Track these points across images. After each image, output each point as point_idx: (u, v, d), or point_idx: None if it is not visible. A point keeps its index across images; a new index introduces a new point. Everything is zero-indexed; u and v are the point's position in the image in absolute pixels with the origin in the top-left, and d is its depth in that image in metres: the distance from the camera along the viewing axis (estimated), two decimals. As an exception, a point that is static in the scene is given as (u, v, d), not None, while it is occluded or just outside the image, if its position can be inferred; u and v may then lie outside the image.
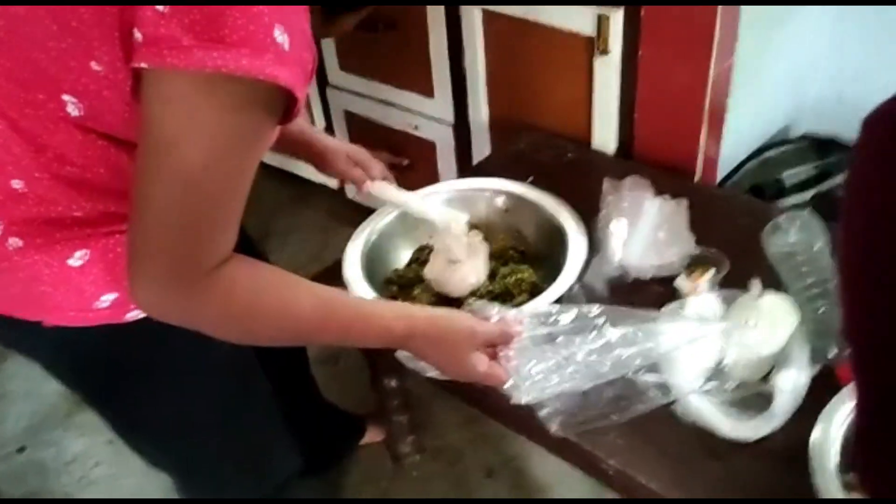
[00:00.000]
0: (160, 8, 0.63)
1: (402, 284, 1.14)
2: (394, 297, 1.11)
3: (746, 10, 1.27)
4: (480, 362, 0.86)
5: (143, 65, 0.65)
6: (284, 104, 0.70)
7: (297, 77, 0.67)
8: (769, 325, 0.96)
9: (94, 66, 0.72)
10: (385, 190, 1.18)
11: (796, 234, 1.04)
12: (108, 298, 0.83)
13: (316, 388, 1.49)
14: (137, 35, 0.65)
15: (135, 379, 0.91)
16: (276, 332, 0.81)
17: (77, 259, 0.81)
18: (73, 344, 0.86)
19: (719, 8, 1.19)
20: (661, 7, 1.24)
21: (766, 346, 0.96)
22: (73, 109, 0.74)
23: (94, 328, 0.84)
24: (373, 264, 1.13)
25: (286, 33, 0.65)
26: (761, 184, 1.51)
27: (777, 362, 0.96)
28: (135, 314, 0.85)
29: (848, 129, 1.62)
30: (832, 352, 0.95)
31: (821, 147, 1.60)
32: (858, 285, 0.48)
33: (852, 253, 0.49)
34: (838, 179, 1.49)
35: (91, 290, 0.82)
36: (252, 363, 1.01)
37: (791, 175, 1.52)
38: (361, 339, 0.86)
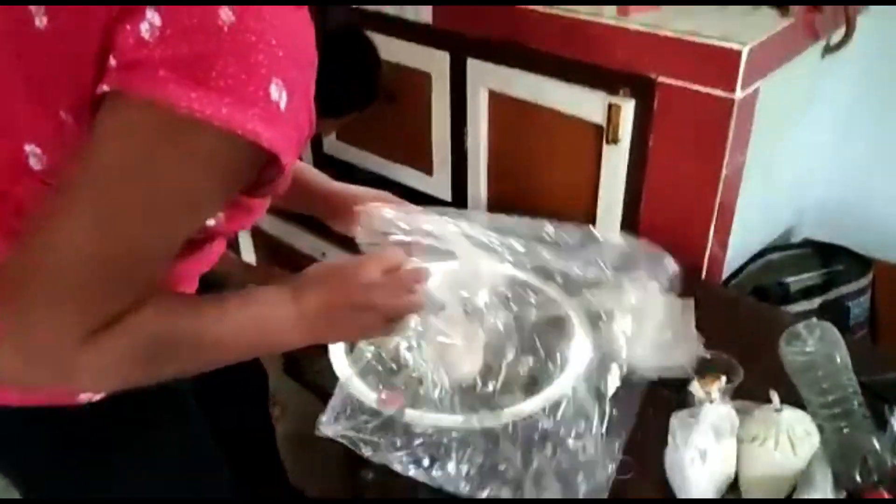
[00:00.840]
0: (146, 36, 0.56)
1: (388, 371, 1.05)
2: (380, 387, 1.02)
3: (761, 109, 1.24)
4: (383, 291, 0.75)
5: (105, 87, 0.57)
6: (262, 167, 0.61)
7: (288, 140, 0.60)
8: (789, 443, 0.88)
9: (62, 114, 0.64)
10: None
11: (815, 345, 0.98)
12: None
13: (284, 475, 1.38)
14: (112, 61, 0.58)
15: (73, 470, 0.81)
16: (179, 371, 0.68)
17: None
18: (9, 424, 0.76)
19: (736, 102, 1.16)
20: (674, 99, 1.21)
21: (787, 466, 0.88)
22: (34, 162, 0.66)
23: (38, 409, 0.74)
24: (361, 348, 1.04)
25: (285, 90, 0.59)
26: (766, 287, 1.46)
27: (798, 484, 0.88)
28: (87, 397, 0.75)
29: (849, 236, 1.61)
30: (857, 477, 0.87)
31: (824, 253, 1.57)
32: None
33: None
34: (844, 289, 1.44)
35: None
36: (210, 459, 0.91)
37: (796, 281, 1.47)
38: (263, 331, 0.71)
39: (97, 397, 0.76)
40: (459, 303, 1.06)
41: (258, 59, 0.57)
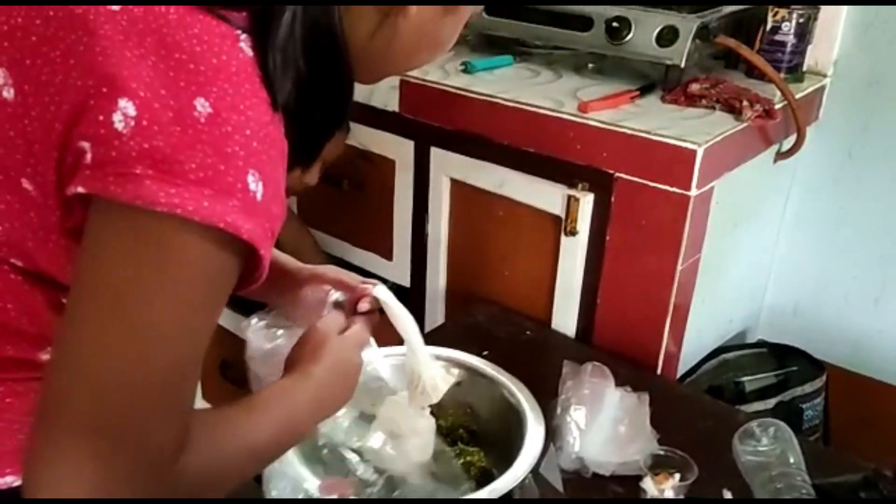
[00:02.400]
0: (119, 127, 0.54)
1: (334, 458, 1.01)
2: (325, 474, 0.98)
3: (715, 208, 1.27)
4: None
5: (80, 189, 0.55)
6: (245, 261, 0.60)
7: (263, 231, 0.58)
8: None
9: (25, 184, 0.61)
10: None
11: (769, 444, 0.97)
12: None
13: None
14: (87, 156, 0.55)
15: None
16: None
17: None
18: None
19: (691, 200, 1.18)
20: (631, 195, 1.24)
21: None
22: None
23: None
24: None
25: (261, 181, 0.57)
26: (721, 386, 1.46)
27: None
28: (8, 480, 0.68)
29: (802, 338, 1.63)
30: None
31: (778, 354, 1.58)
32: None
33: None
34: (798, 390, 1.45)
35: None
36: None
37: (751, 381, 1.48)
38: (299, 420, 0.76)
39: (17, 482, 0.68)
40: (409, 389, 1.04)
41: (235, 149, 0.56)
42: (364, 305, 0.92)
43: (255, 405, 0.71)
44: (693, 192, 1.18)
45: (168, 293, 0.56)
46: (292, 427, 0.74)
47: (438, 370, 0.99)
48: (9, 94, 0.59)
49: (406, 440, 0.99)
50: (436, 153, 1.46)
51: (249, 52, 0.59)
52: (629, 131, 1.21)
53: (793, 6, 1.41)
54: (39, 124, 0.58)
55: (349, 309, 0.93)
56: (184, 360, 0.59)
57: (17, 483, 0.67)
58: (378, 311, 0.94)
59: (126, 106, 0.54)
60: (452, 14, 0.73)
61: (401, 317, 0.95)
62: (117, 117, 0.54)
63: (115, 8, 0.57)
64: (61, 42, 0.57)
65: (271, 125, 0.59)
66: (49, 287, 0.65)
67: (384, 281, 1.66)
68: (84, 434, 0.54)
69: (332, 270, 0.99)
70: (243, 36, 0.59)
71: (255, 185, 0.57)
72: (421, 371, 0.96)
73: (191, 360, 0.59)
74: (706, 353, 1.54)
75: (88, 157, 0.55)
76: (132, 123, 0.54)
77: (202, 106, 0.55)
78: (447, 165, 1.46)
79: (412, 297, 1.62)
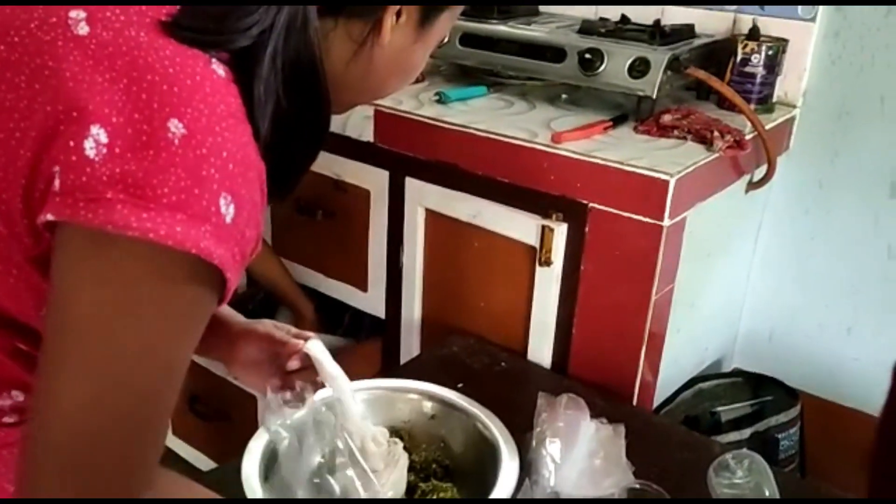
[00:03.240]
0: (91, 154, 0.52)
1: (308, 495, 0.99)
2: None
3: (688, 238, 1.27)
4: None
5: (49, 216, 0.54)
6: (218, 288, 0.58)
7: (232, 256, 0.57)
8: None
9: None
10: (323, 354, 0.92)
11: (744, 476, 0.96)
12: None
13: None
14: (56, 183, 0.54)
15: None
16: None
17: None
18: None
19: (664, 230, 1.19)
20: (605, 225, 1.24)
21: None
22: None
23: None
24: (275, 467, 0.98)
25: (233, 204, 0.56)
26: (697, 416, 1.46)
27: None
28: None
29: (776, 368, 1.63)
30: None
31: (753, 383, 1.58)
32: None
33: None
34: (774, 420, 1.45)
35: None
36: None
37: (727, 410, 1.47)
38: None
39: None
40: (382, 423, 1.03)
41: (210, 172, 0.54)
42: (294, 364, 0.90)
43: None
44: (666, 221, 1.18)
45: (142, 321, 0.55)
46: None
47: (370, 430, 0.96)
48: None
49: (379, 476, 0.97)
50: (410, 183, 1.46)
51: (223, 73, 0.58)
52: (602, 161, 1.22)
53: (762, 39, 1.43)
54: (3, 150, 0.57)
55: (279, 366, 0.91)
56: (157, 391, 0.57)
57: None
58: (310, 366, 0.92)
59: (98, 133, 0.53)
60: (423, 42, 0.73)
61: (334, 376, 0.92)
62: (88, 144, 0.53)
63: (83, 33, 0.57)
64: (26, 67, 0.57)
65: (249, 146, 0.58)
66: (8, 330, 0.63)
67: (359, 313, 1.66)
68: (59, 472, 0.54)
69: (263, 325, 0.95)
70: (214, 59, 0.58)
71: (225, 207, 0.55)
72: (351, 431, 0.93)
73: (164, 391, 0.58)
74: (683, 383, 1.54)
75: (57, 183, 0.54)
76: (104, 151, 0.53)
77: (176, 127, 0.54)
78: (422, 196, 1.45)
79: (388, 328, 1.61)
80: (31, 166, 0.56)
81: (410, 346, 1.57)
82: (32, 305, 0.60)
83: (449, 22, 0.75)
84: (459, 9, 0.77)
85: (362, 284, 1.62)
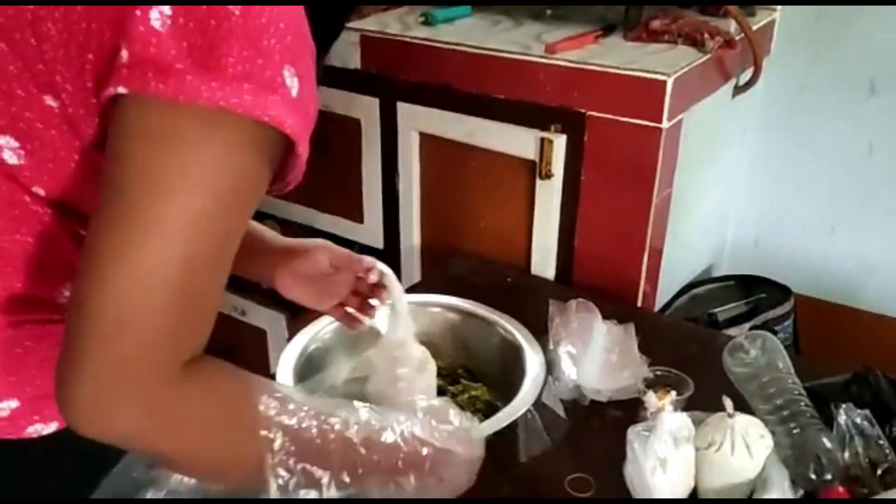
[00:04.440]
0: (156, 25, 0.53)
1: (340, 402, 1.01)
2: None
3: (684, 141, 1.30)
4: None
5: (120, 89, 0.54)
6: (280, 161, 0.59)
7: (303, 129, 0.58)
8: (744, 447, 0.89)
9: (47, 99, 0.59)
10: (389, 271, 0.95)
11: (757, 355, 1.00)
12: (7, 406, 0.67)
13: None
14: (123, 54, 0.54)
15: None
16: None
17: None
18: None
19: (663, 133, 1.21)
20: (604, 132, 1.26)
21: (744, 470, 0.88)
22: (9, 156, 0.61)
23: None
24: (307, 379, 1.00)
25: (296, 76, 0.56)
26: (695, 318, 1.50)
27: (755, 488, 0.89)
28: (36, 429, 0.68)
29: (766, 271, 1.68)
30: (812, 476, 0.88)
31: (746, 285, 1.63)
32: None
33: None
34: (770, 314, 1.50)
35: None
36: None
37: (723, 310, 1.52)
38: None
39: (47, 430, 0.69)
40: (410, 332, 1.04)
41: (271, 43, 0.55)
42: (373, 277, 0.94)
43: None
44: (665, 124, 1.20)
45: (208, 187, 0.55)
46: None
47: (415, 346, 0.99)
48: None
49: (408, 382, 1.00)
50: (402, 108, 1.46)
51: None
52: (598, 68, 1.23)
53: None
54: (65, 24, 0.57)
55: (348, 280, 0.94)
56: (213, 258, 0.57)
57: (46, 432, 0.66)
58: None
59: (161, 6, 0.53)
60: None
61: (402, 292, 0.97)
62: (154, 14, 0.53)
63: None
64: None
65: (303, 21, 0.59)
66: (70, 218, 0.64)
67: (354, 244, 1.67)
68: (107, 339, 0.54)
69: (321, 242, 0.97)
70: None
71: (290, 79, 0.56)
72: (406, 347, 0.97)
73: (220, 258, 0.58)
74: (678, 290, 1.59)
75: (125, 55, 0.54)
76: (168, 22, 0.53)
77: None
78: (415, 119, 1.45)
79: (387, 258, 1.62)
80: (98, 40, 0.56)
81: (412, 274, 1.59)
82: (94, 191, 0.58)
83: None
84: None
85: (358, 216, 1.62)
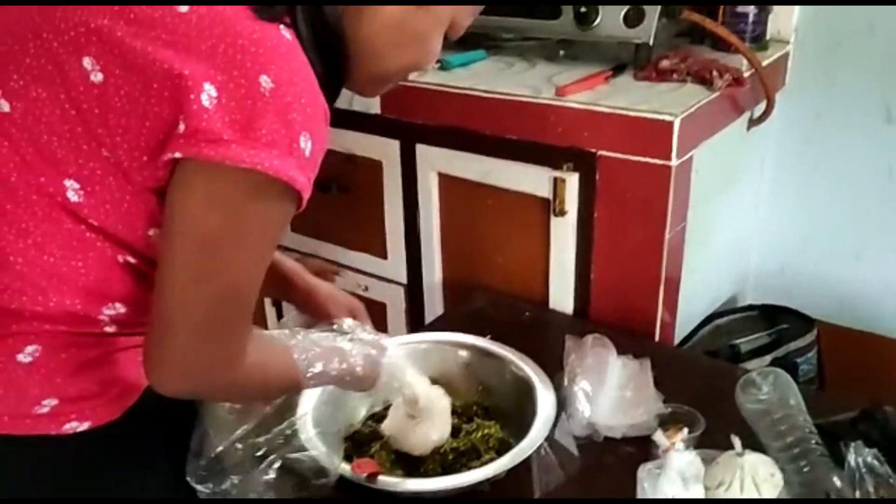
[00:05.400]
0: (206, 104, 0.68)
1: (357, 441, 1.05)
2: (349, 457, 1.01)
3: (696, 176, 1.32)
4: None
5: (177, 154, 0.69)
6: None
7: (309, 182, 0.73)
8: (753, 486, 0.90)
9: (104, 152, 0.73)
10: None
11: (770, 391, 1.01)
12: (48, 403, 0.78)
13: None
14: (181, 127, 0.69)
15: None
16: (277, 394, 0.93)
17: (27, 355, 0.77)
18: None
19: (672, 170, 1.23)
20: (615, 170, 1.28)
21: (753, 508, 0.89)
22: (72, 195, 0.75)
23: (22, 438, 0.77)
24: (328, 419, 1.04)
25: (311, 140, 0.71)
26: (717, 350, 1.51)
27: (765, 526, 0.90)
28: (73, 426, 0.79)
29: (790, 299, 1.68)
30: (822, 513, 0.89)
31: (769, 315, 1.63)
32: None
33: None
34: (792, 345, 1.50)
35: (34, 392, 0.77)
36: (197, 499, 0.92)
37: (746, 342, 1.52)
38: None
39: (82, 427, 0.80)
40: (425, 370, 1.08)
41: (294, 116, 0.69)
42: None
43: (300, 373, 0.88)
44: (674, 161, 1.23)
45: (246, 231, 0.72)
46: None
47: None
48: (97, 77, 0.71)
49: (424, 422, 1.03)
50: (421, 150, 1.50)
51: (290, 37, 0.73)
52: (607, 109, 1.26)
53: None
54: (128, 101, 0.71)
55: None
56: (253, 282, 0.76)
57: (81, 429, 0.80)
58: None
59: (209, 88, 0.68)
60: (425, 12, 0.81)
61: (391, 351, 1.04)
62: (204, 97, 0.68)
63: (184, 9, 0.71)
64: (143, 37, 0.71)
65: (318, 93, 0.73)
66: (118, 247, 0.77)
67: (379, 278, 1.71)
68: (182, 338, 0.74)
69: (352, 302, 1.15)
70: (282, 27, 0.73)
71: (304, 143, 0.71)
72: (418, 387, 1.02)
73: (258, 280, 0.76)
74: (700, 321, 1.59)
75: (182, 127, 0.68)
76: (215, 102, 0.68)
77: (266, 82, 0.68)
78: (433, 160, 1.50)
79: (410, 293, 1.66)
80: (156, 112, 0.70)
81: (434, 308, 1.62)
82: (140, 227, 0.76)
83: (460, 9, 0.83)
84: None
85: (382, 252, 1.67)
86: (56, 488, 0.82)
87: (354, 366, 0.92)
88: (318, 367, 0.89)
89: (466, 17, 0.85)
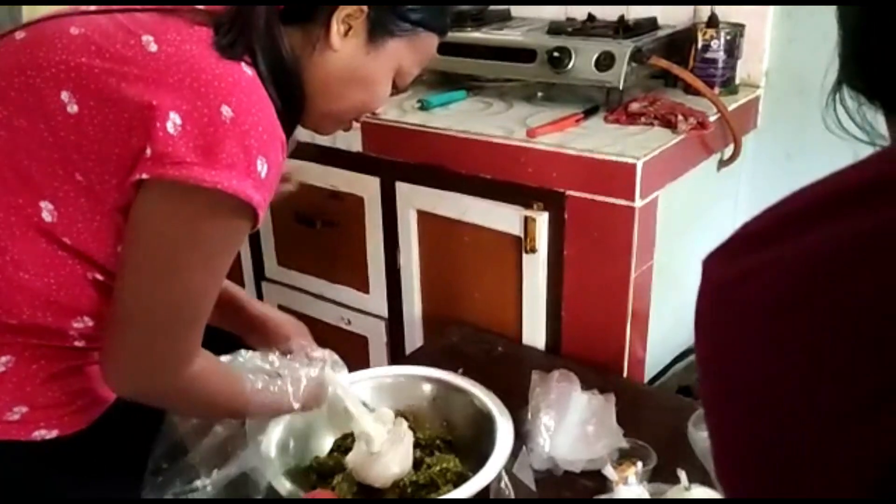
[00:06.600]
0: (171, 131, 0.75)
1: (321, 473, 1.08)
2: (312, 487, 1.04)
3: (663, 216, 1.36)
4: None
5: (144, 175, 0.76)
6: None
7: (265, 201, 0.81)
8: (700, 520, 0.93)
9: (77, 176, 0.79)
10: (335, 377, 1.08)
11: (721, 427, 1.04)
12: (19, 411, 0.83)
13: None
14: (147, 151, 0.76)
15: None
16: (223, 415, 0.98)
17: (1, 364, 0.82)
18: None
19: (636, 211, 1.27)
20: (582, 210, 1.33)
21: (699, 542, 0.92)
22: (47, 216, 0.81)
23: None
24: (293, 451, 1.07)
25: (267, 164, 0.79)
26: (689, 385, 1.53)
27: (710, 560, 0.92)
28: (41, 434, 0.84)
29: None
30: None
31: (742, 352, 1.65)
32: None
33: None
34: (761, 382, 1.52)
35: (5, 399, 0.83)
36: None
37: (716, 377, 1.54)
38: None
39: (50, 435, 0.85)
40: (389, 406, 1.11)
41: (251, 142, 0.77)
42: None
43: (246, 389, 0.95)
44: (637, 202, 1.27)
45: (204, 243, 0.80)
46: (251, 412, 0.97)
47: (378, 416, 1.09)
48: (72, 109, 0.79)
49: (385, 454, 1.06)
50: (401, 187, 1.55)
51: (251, 73, 0.82)
52: (574, 152, 1.31)
53: (720, 26, 1.52)
54: (101, 130, 0.78)
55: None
56: (206, 291, 0.83)
57: (50, 437, 0.85)
58: None
59: (174, 116, 0.76)
60: (375, 56, 0.90)
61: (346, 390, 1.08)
62: (169, 125, 0.75)
63: (154, 48, 0.79)
64: (116, 73, 0.79)
65: (275, 122, 0.81)
66: (86, 263, 0.83)
67: (361, 311, 1.74)
68: (136, 339, 0.82)
69: (291, 327, 1.16)
70: (244, 64, 0.82)
71: (261, 167, 0.78)
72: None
73: (212, 290, 0.84)
74: (674, 356, 1.62)
75: (149, 152, 0.76)
76: (179, 129, 0.75)
77: (226, 111, 0.76)
78: (413, 198, 1.54)
79: (391, 326, 1.70)
80: (125, 140, 0.78)
81: (414, 341, 1.66)
82: (110, 243, 0.82)
83: (407, 52, 0.92)
84: (422, 43, 0.93)
85: (364, 287, 1.71)
86: (23, 492, 0.87)
87: (297, 383, 0.98)
88: (261, 384, 0.95)
89: (413, 65, 0.94)
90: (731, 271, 0.43)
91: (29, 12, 1.38)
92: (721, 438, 0.43)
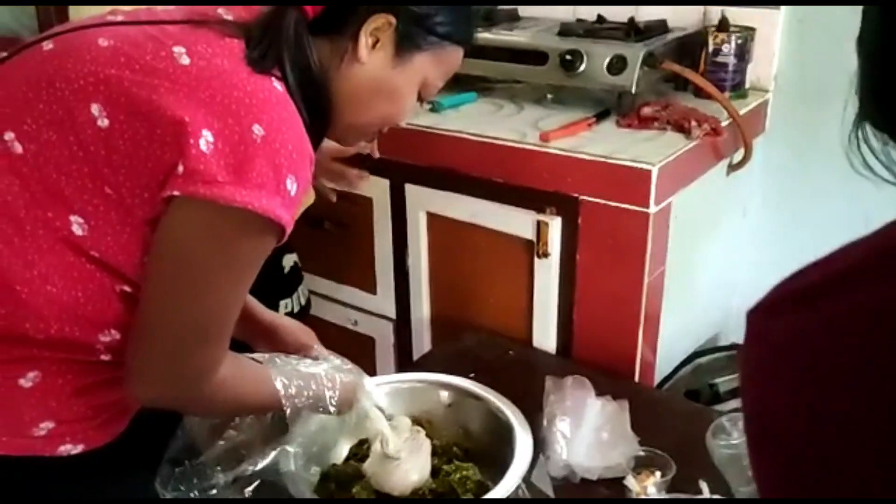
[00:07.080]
0: (204, 149, 0.75)
1: (339, 481, 1.08)
2: (331, 496, 1.04)
3: (675, 222, 1.36)
4: None
5: (175, 192, 0.76)
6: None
7: (292, 219, 0.81)
8: (721, 531, 0.93)
9: (107, 189, 0.79)
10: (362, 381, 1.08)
11: (740, 436, 1.04)
12: (45, 426, 0.83)
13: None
14: (179, 169, 0.75)
15: None
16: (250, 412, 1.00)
17: (28, 380, 0.82)
18: None
19: (651, 217, 1.27)
20: (596, 215, 1.32)
21: (719, 553, 0.92)
22: (78, 229, 0.80)
23: (18, 459, 0.82)
24: (310, 458, 1.07)
25: (296, 182, 0.79)
26: (697, 389, 1.54)
27: (731, 570, 0.92)
28: (67, 448, 0.84)
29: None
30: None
31: (749, 355, 1.65)
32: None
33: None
34: (770, 386, 1.52)
35: (31, 414, 0.82)
36: None
37: (724, 382, 1.55)
38: None
39: (76, 450, 0.85)
40: (409, 410, 1.11)
41: (281, 161, 0.77)
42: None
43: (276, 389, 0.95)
44: (652, 208, 1.27)
45: (232, 260, 0.81)
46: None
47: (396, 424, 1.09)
48: (103, 122, 0.78)
49: (404, 462, 1.06)
50: (410, 189, 1.54)
51: (281, 89, 0.82)
52: (588, 157, 1.30)
53: (731, 29, 1.51)
54: (132, 144, 0.78)
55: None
56: (232, 304, 0.84)
57: (74, 452, 0.85)
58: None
59: (206, 134, 0.75)
60: (402, 70, 0.90)
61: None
62: (202, 142, 0.75)
63: (186, 61, 0.79)
64: (147, 86, 0.78)
65: (305, 140, 0.81)
66: (114, 276, 0.82)
67: (369, 312, 1.74)
68: (163, 351, 0.82)
69: (299, 333, 1.15)
70: (275, 79, 0.82)
71: (290, 185, 0.79)
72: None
73: (237, 303, 0.84)
74: (682, 360, 1.62)
75: (181, 169, 0.76)
76: (212, 147, 0.75)
77: (258, 130, 0.76)
78: (422, 200, 1.54)
79: (398, 328, 1.69)
80: (157, 156, 0.77)
81: (422, 343, 1.65)
82: (138, 255, 0.82)
83: (432, 65, 0.91)
84: (448, 56, 0.92)
85: (372, 288, 1.70)
86: None
87: (333, 385, 0.99)
88: (294, 389, 0.95)
89: (439, 78, 0.94)
90: (781, 329, 0.43)
91: (74, 12, 1.36)
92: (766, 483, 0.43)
